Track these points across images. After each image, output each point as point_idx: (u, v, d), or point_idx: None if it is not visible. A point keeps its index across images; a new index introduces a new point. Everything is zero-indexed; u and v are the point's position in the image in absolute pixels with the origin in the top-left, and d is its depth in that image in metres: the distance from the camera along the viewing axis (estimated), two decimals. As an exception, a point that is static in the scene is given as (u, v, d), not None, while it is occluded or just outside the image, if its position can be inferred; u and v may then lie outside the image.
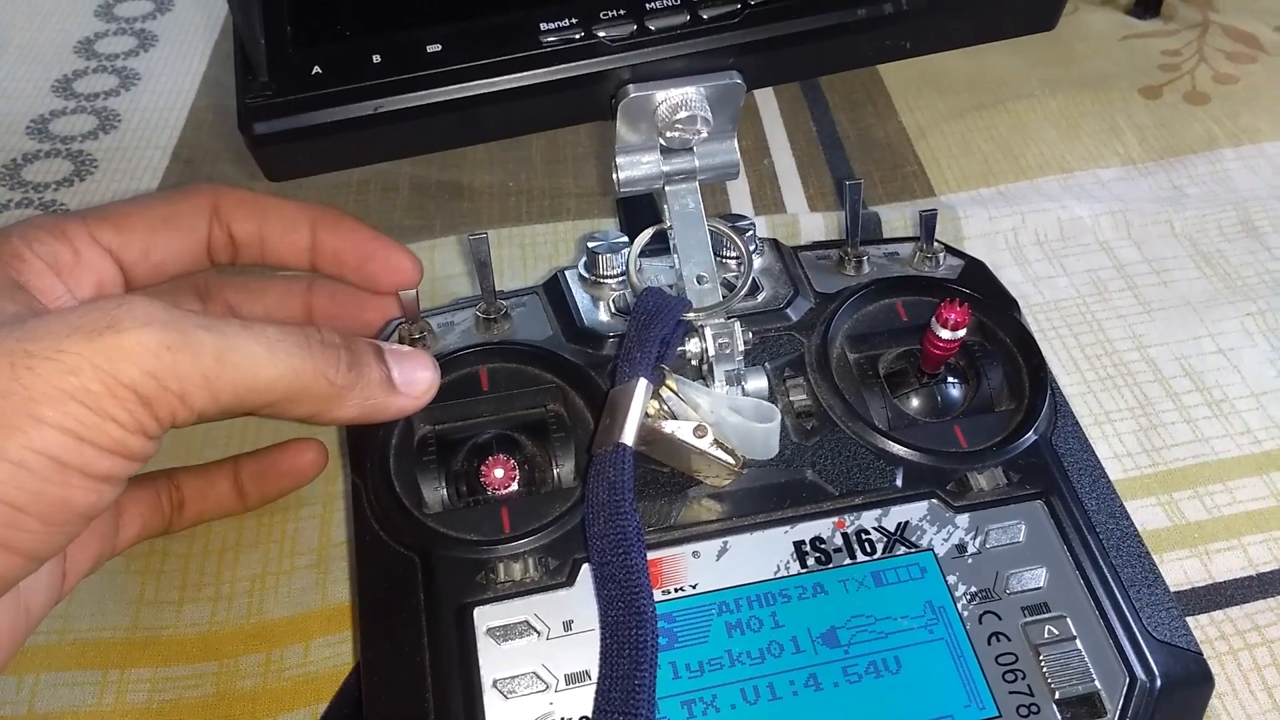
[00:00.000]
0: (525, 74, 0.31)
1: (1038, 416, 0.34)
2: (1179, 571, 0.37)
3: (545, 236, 0.50)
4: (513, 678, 0.28)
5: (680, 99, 0.32)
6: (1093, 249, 0.49)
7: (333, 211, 0.35)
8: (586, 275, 0.37)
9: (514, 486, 0.32)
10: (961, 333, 0.33)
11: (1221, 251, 0.49)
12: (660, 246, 0.36)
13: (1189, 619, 0.35)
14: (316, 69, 0.30)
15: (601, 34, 0.31)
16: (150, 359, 0.25)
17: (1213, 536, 0.38)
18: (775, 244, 0.39)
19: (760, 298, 0.37)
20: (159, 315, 0.25)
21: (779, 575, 0.31)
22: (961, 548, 0.31)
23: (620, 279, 0.37)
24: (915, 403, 0.35)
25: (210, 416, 0.27)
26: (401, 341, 0.35)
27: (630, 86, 0.32)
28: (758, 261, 0.38)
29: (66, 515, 0.25)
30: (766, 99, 0.58)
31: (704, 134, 0.33)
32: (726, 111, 0.33)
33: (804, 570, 0.31)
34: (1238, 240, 0.49)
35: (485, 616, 0.29)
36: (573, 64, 0.31)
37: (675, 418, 0.31)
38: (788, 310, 0.36)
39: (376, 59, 0.31)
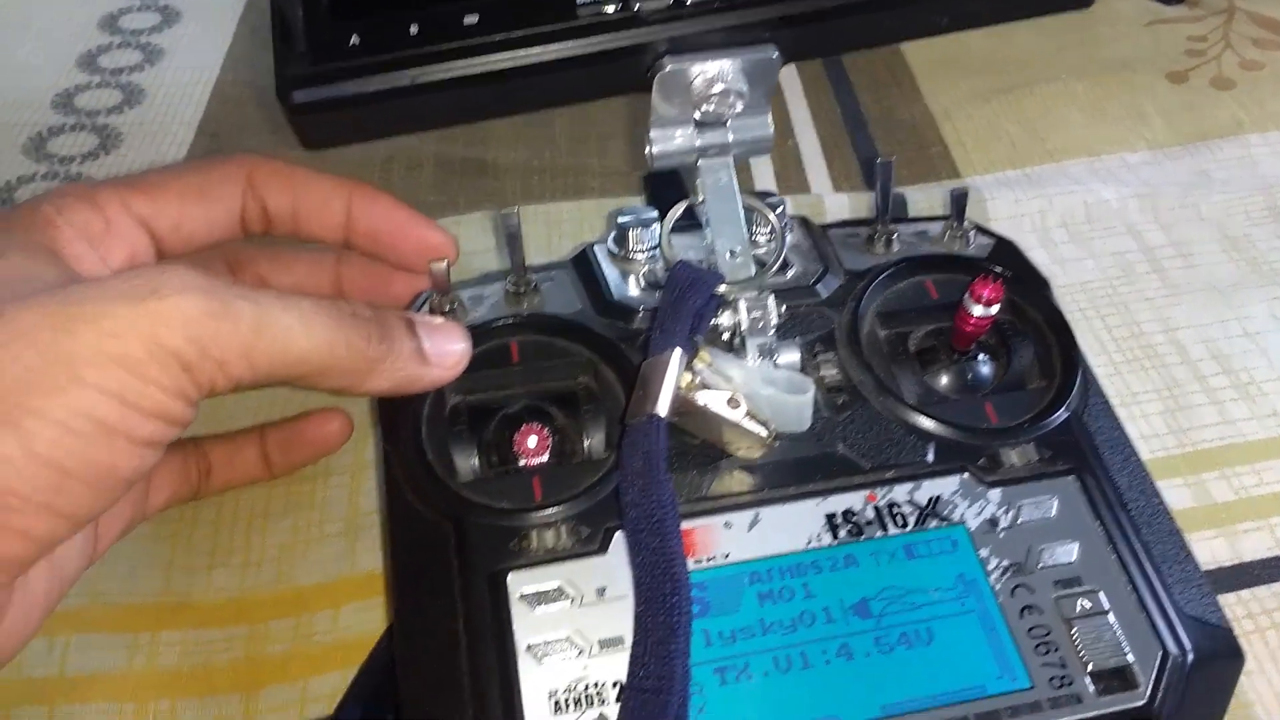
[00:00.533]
0: (561, 45, 0.31)
1: (1069, 394, 0.34)
2: (1206, 551, 0.37)
3: (570, 214, 0.50)
4: (546, 643, 0.29)
5: (716, 72, 0.32)
6: (1119, 232, 0.49)
7: (368, 187, 0.35)
8: (615, 250, 0.37)
9: (545, 456, 0.32)
10: (995, 309, 0.33)
11: (1249, 236, 0.49)
12: (687, 223, 0.36)
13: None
14: (354, 39, 0.31)
15: (639, 6, 0.31)
16: (192, 326, 0.25)
17: (1240, 517, 0.38)
18: (804, 221, 0.39)
19: (790, 274, 0.37)
20: (200, 283, 0.26)
21: (810, 546, 0.31)
22: (993, 522, 0.31)
23: (649, 254, 0.37)
24: (945, 380, 0.35)
25: (246, 385, 0.27)
26: (432, 313, 0.35)
27: (666, 59, 0.32)
28: (788, 238, 0.38)
29: (111, 479, 0.25)
30: (790, 80, 0.58)
31: (739, 108, 0.33)
32: (762, 85, 0.33)
33: (835, 542, 0.31)
34: (1265, 225, 0.49)
35: (519, 582, 0.30)
36: (609, 36, 0.31)
37: (708, 389, 0.31)
38: (818, 287, 0.36)
39: (413, 30, 0.31)
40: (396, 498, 0.32)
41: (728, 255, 0.34)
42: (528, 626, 0.29)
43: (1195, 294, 0.46)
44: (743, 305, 0.32)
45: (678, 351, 0.30)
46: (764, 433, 0.31)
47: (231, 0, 0.64)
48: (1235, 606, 0.35)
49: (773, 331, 0.33)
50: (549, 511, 0.31)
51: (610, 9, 0.31)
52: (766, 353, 0.33)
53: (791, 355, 0.33)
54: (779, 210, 0.36)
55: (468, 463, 0.33)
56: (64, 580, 0.30)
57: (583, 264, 0.37)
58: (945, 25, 0.34)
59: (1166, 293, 0.46)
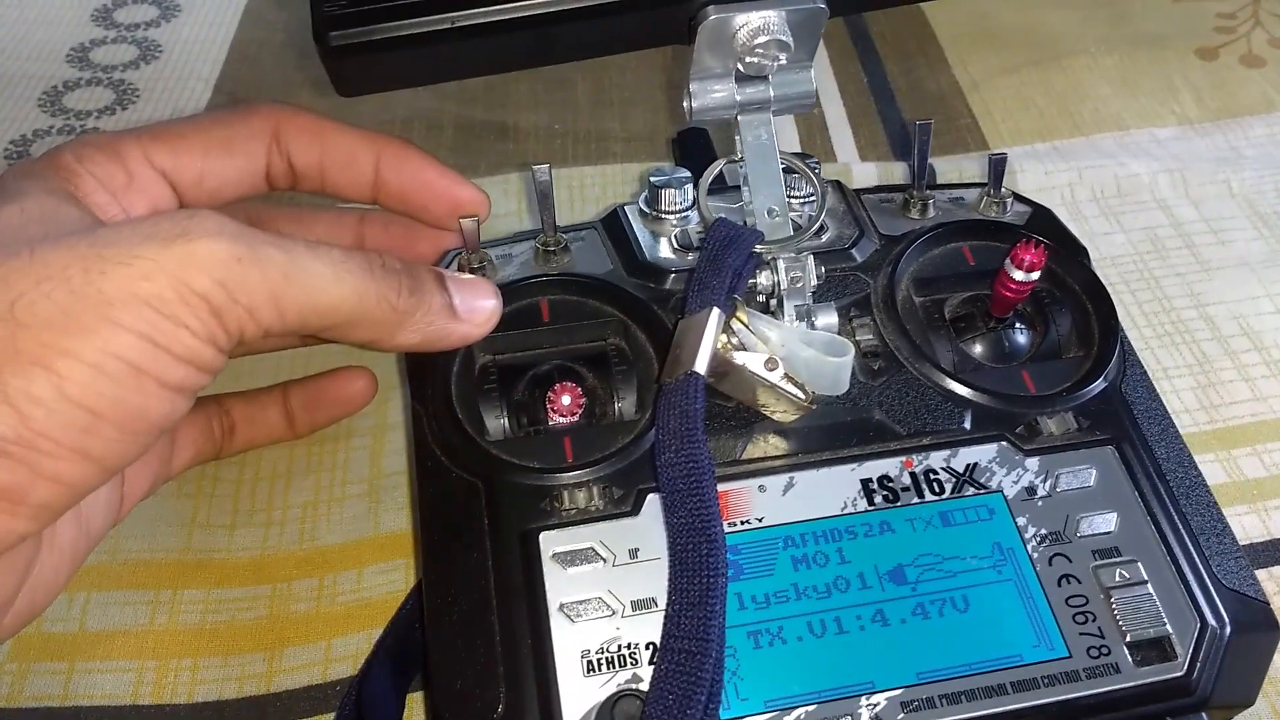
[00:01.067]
0: (605, -9, 0.30)
1: (1108, 363, 0.33)
2: (1238, 527, 0.36)
3: (593, 179, 0.49)
4: (579, 602, 0.28)
5: (761, 23, 0.31)
6: (1150, 207, 0.48)
7: (398, 143, 0.34)
8: (647, 210, 0.37)
9: (577, 417, 0.32)
10: (1036, 275, 0.32)
11: (1279, 213, 0.48)
12: (717, 186, 0.35)
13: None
14: (394, -21, 0.30)
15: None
16: (221, 269, 0.24)
17: (1272, 493, 0.37)
18: (838, 185, 0.38)
19: (825, 238, 0.36)
20: (229, 228, 0.25)
21: (846, 512, 0.30)
22: (1031, 490, 0.31)
23: (681, 215, 0.36)
24: (981, 348, 0.35)
25: (277, 334, 0.26)
26: (461, 270, 0.35)
27: (711, 8, 0.31)
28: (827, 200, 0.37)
29: (142, 424, 0.25)
30: (818, 50, 0.57)
31: (782, 60, 0.32)
32: (807, 39, 0.32)
33: (871, 508, 0.30)
34: (1296, 203, 0.48)
35: (551, 541, 0.29)
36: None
37: (745, 350, 0.30)
38: (853, 251, 0.36)
39: (455, -28, 0.30)
40: (426, 456, 0.32)
41: (766, 214, 0.33)
42: (560, 585, 0.28)
43: (1226, 270, 0.45)
44: (781, 265, 0.32)
45: (715, 310, 0.30)
46: (802, 395, 0.30)
47: (248, -43, 0.63)
48: (1267, 582, 0.35)
49: (811, 292, 0.32)
50: (581, 472, 0.30)
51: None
52: (804, 315, 0.32)
53: (829, 317, 0.32)
54: (816, 172, 0.36)
55: (498, 422, 0.32)
56: (91, 536, 0.30)
57: (613, 224, 0.37)
58: None
59: (1197, 268, 0.45)
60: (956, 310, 0.35)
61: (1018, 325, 0.35)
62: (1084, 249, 0.37)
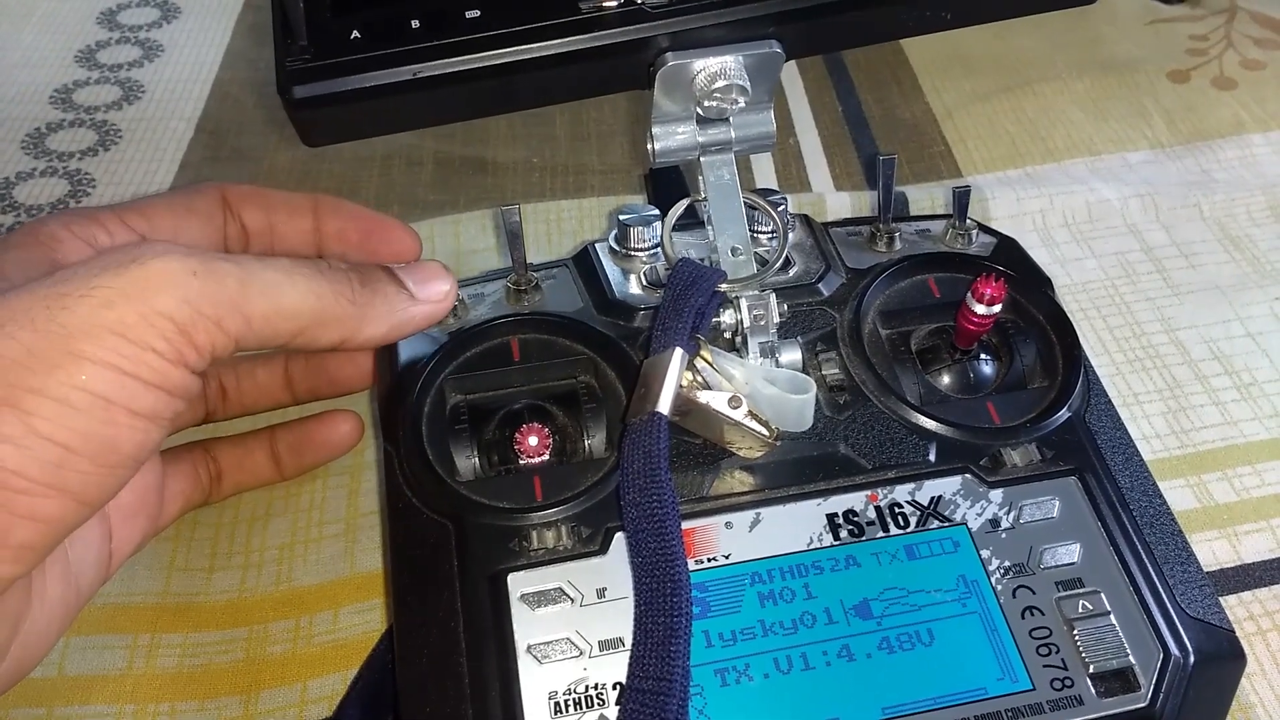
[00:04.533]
0: (563, 40, 0.31)
1: (1071, 394, 0.34)
2: (1208, 553, 0.37)
3: (570, 212, 0.50)
4: (547, 643, 0.29)
5: (719, 68, 0.31)
6: (1121, 232, 0.49)
7: (331, 197, 0.36)
8: (617, 248, 0.37)
9: (547, 455, 0.32)
10: (997, 308, 0.33)
11: (1250, 236, 0.48)
12: (688, 221, 0.36)
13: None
14: (355, 33, 0.30)
15: (642, 0, 0.31)
16: (179, 285, 0.25)
17: (1242, 518, 0.38)
18: (806, 219, 0.39)
19: (792, 272, 0.37)
20: (178, 249, 0.26)
21: (812, 547, 0.31)
22: (995, 522, 0.31)
23: (651, 252, 0.37)
24: (947, 379, 0.35)
25: (249, 345, 0.27)
26: None
27: (669, 54, 0.31)
28: (790, 236, 0.38)
29: (116, 456, 0.25)
30: (792, 78, 0.58)
31: (741, 104, 0.32)
32: (764, 81, 0.32)
33: (837, 542, 0.31)
34: (1266, 225, 0.49)
35: (519, 583, 0.29)
36: (612, 31, 0.31)
37: (710, 388, 0.31)
38: (819, 285, 0.36)
39: (415, 24, 0.31)
40: (397, 497, 0.32)
41: (730, 253, 0.33)
42: (528, 627, 0.29)
43: (1197, 294, 0.46)
44: (744, 303, 0.32)
45: (679, 350, 0.30)
46: (766, 433, 0.30)
47: (230, -3, 0.64)
48: (1237, 608, 0.35)
49: (774, 330, 0.32)
50: (550, 511, 0.31)
51: (613, 2, 0.30)
52: (768, 351, 0.32)
53: (793, 354, 0.33)
54: (780, 208, 0.36)
55: (468, 462, 0.33)
56: (81, 593, 0.30)
57: (584, 262, 0.37)
58: (949, 20, 0.34)
59: (1168, 293, 0.46)
60: (922, 343, 0.36)
61: (982, 357, 0.35)
62: (1048, 279, 0.37)
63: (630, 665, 0.28)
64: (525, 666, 0.28)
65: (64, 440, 0.24)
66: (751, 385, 0.31)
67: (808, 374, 0.33)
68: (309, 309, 0.28)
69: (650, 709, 0.27)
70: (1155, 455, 0.40)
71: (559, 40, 0.31)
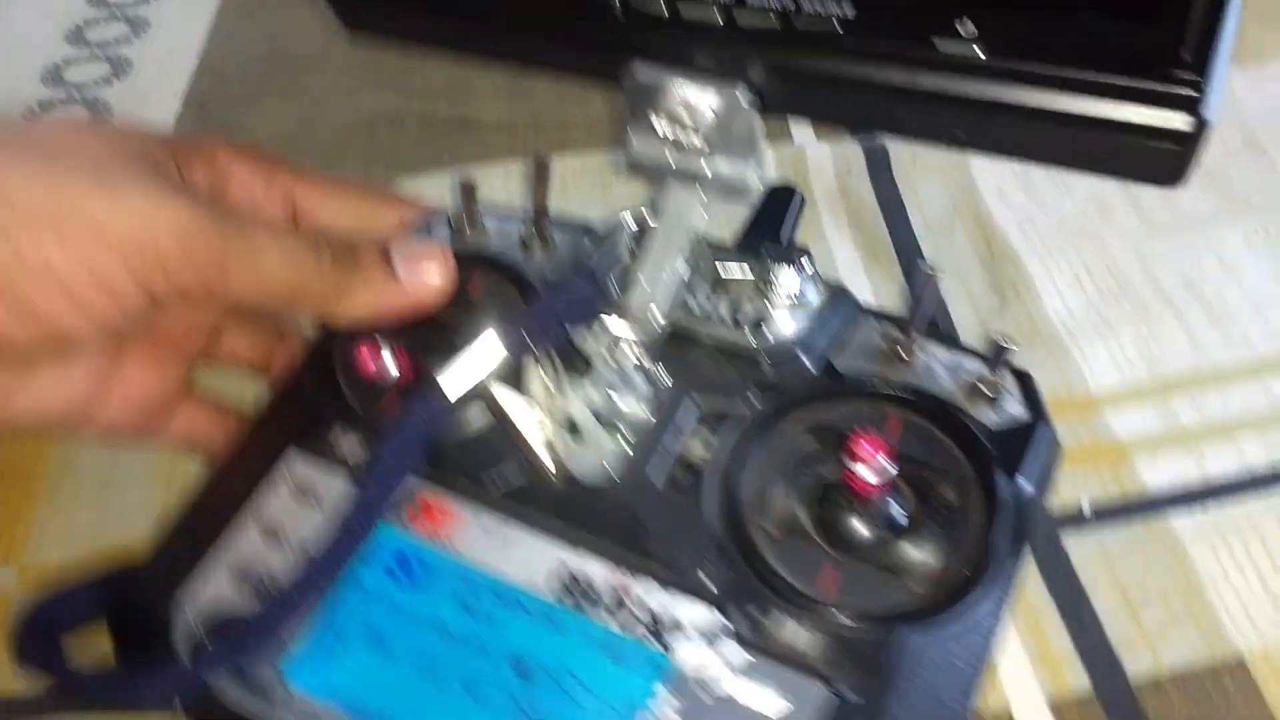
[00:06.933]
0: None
1: (924, 611, 0.28)
2: (1174, 472, 0.38)
3: (554, 168, 0.51)
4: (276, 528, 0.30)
5: (685, 96, 0.30)
6: (1096, 169, 0.49)
7: (321, 171, 0.37)
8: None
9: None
10: (875, 477, 0.28)
11: (1225, 170, 0.49)
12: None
13: (1185, 515, 0.36)
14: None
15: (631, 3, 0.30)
16: (177, 229, 0.27)
17: (1205, 438, 0.39)
18: (839, 293, 0.33)
19: (773, 337, 0.32)
20: (188, 198, 0.28)
21: (532, 586, 0.29)
22: (701, 680, 0.27)
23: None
24: (830, 519, 0.29)
25: (218, 297, 0.29)
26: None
27: (636, 64, 0.30)
28: (776, 309, 0.33)
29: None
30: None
31: (700, 144, 0.31)
32: (737, 128, 0.30)
33: (553, 598, 0.29)
34: (1240, 158, 0.49)
35: (295, 460, 0.31)
36: (586, 23, 0.31)
37: (525, 395, 0.31)
38: (769, 367, 0.32)
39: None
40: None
41: (644, 283, 0.32)
42: (276, 505, 0.31)
43: (1172, 228, 0.46)
44: (601, 337, 0.32)
45: (492, 332, 0.30)
46: (552, 469, 0.30)
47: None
48: (1204, 523, 0.36)
49: (628, 376, 0.31)
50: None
51: None
52: (613, 385, 0.31)
53: (630, 403, 0.31)
54: (807, 272, 0.32)
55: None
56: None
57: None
58: (962, 140, 0.29)
59: (1144, 229, 0.46)
60: (835, 475, 0.30)
61: (880, 517, 0.29)
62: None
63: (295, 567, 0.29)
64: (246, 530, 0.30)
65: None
66: (568, 413, 0.31)
67: (664, 435, 0.31)
68: (286, 275, 0.29)
69: (279, 600, 0.28)
70: (1125, 381, 0.41)
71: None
